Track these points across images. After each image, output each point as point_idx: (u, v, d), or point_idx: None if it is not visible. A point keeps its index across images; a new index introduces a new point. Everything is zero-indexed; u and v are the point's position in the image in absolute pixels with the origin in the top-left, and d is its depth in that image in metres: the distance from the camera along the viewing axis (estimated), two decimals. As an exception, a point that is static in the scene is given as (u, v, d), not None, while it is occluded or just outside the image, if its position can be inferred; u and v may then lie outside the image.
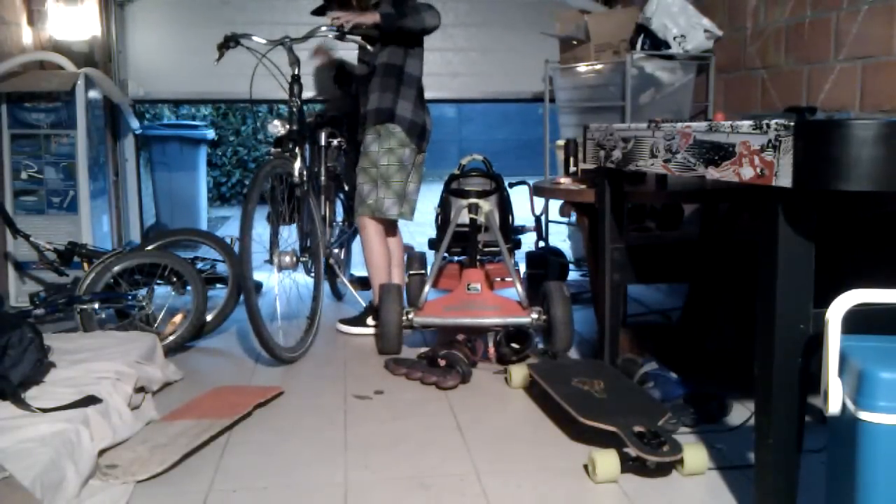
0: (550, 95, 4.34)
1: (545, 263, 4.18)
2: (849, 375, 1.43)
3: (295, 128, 3.32)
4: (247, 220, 2.97)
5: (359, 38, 3.26)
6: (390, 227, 3.58)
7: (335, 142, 3.84)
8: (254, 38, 3.33)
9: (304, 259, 3.41)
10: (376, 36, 3.28)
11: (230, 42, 3.36)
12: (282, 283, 3.46)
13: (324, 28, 3.26)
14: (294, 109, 3.35)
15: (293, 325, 3.67)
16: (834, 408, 1.46)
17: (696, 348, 3.08)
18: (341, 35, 3.23)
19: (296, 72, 3.36)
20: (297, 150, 3.31)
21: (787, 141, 1.50)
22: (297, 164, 3.29)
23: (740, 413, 2.46)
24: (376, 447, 2.30)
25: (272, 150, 3.34)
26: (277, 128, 3.28)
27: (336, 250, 3.96)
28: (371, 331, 3.51)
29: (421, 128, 3.44)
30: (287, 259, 3.30)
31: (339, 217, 4.15)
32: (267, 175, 3.17)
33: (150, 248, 3.57)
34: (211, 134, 6.98)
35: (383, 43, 3.34)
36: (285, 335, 3.27)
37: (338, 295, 4.33)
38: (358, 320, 3.62)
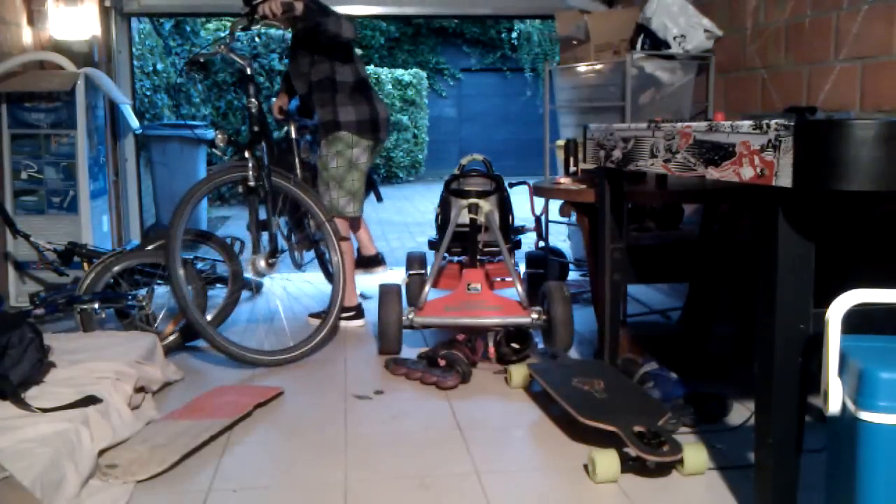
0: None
1: (545, 263, 4.18)
2: (849, 375, 1.43)
3: (256, 128, 3.29)
4: (173, 245, 3.00)
5: (273, 19, 3.23)
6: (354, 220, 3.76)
7: (307, 135, 3.83)
8: (201, 59, 3.33)
9: (272, 261, 3.31)
10: (290, 19, 3.28)
11: (193, 67, 3.37)
12: (272, 287, 3.42)
13: (240, 23, 3.29)
14: (253, 110, 3.32)
15: (294, 324, 3.68)
16: (834, 408, 1.46)
17: (696, 348, 3.08)
18: (256, 19, 3.24)
19: (248, 72, 3.32)
20: (246, 153, 3.24)
21: (787, 141, 1.51)
22: (251, 167, 3.21)
23: (740, 413, 2.46)
24: (376, 447, 2.30)
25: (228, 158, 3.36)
26: (220, 141, 3.29)
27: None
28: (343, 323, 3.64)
29: (371, 121, 3.55)
30: (261, 264, 3.26)
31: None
32: (193, 197, 3.14)
33: (150, 248, 3.57)
34: (211, 134, 6.98)
35: (311, 50, 3.46)
36: (286, 335, 3.28)
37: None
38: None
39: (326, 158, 3.53)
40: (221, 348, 3.01)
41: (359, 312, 3.74)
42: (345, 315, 3.66)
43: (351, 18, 3.40)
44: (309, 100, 3.61)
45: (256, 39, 9.94)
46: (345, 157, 3.52)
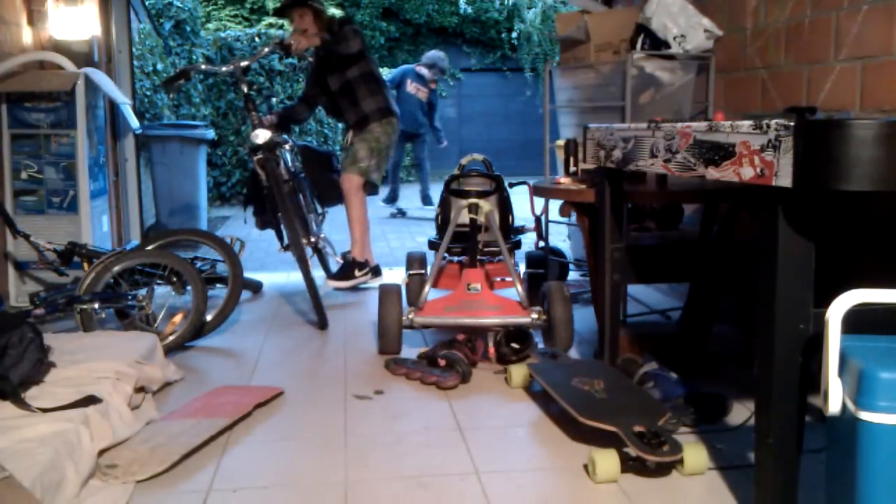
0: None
1: (545, 263, 4.18)
2: (849, 375, 1.43)
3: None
4: (292, 219, 3.72)
5: (302, 52, 4.09)
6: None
7: (287, 145, 4.22)
8: (203, 66, 4.18)
9: (313, 240, 4.03)
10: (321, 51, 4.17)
11: (181, 77, 3.85)
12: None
13: (266, 50, 4.03)
14: (256, 122, 3.86)
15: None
16: (834, 408, 1.46)
17: (696, 348, 3.08)
18: (287, 52, 3.98)
19: (246, 90, 3.92)
20: (276, 151, 3.88)
21: (787, 141, 1.50)
22: (282, 163, 3.91)
23: (740, 413, 2.46)
24: (376, 447, 2.30)
25: (256, 156, 3.82)
26: (258, 137, 3.78)
27: (323, 234, 4.35)
28: (362, 280, 4.23)
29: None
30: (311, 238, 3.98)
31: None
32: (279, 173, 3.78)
33: (150, 248, 3.57)
34: (211, 134, 6.98)
35: (343, 63, 4.20)
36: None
37: (330, 275, 4.56)
38: (346, 275, 4.24)
39: (379, 133, 4.27)
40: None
41: (375, 270, 4.33)
42: (362, 273, 4.23)
43: (356, 27, 4.21)
44: (343, 96, 4.27)
45: (256, 40, 9.95)
46: (390, 139, 4.34)
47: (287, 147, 4.21)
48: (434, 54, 8.57)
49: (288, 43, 3.91)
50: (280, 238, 4.13)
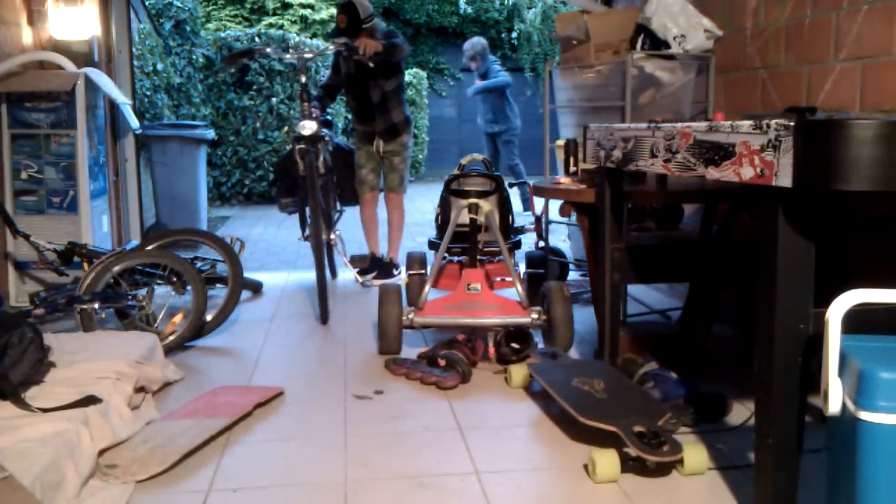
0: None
1: (545, 263, 4.18)
2: (849, 375, 1.43)
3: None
4: (319, 212, 3.78)
5: (364, 58, 4.11)
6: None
7: (326, 140, 4.30)
8: (268, 50, 4.20)
9: (332, 235, 4.22)
10: (375, 59, 4.22)
11: (246, 55, 4.01)
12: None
13: (331, 48, 4.21)
14: (306, 113, 3.95)
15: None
16: (834, 408, 1.46)
17: (696, 348, 3.08)
18: (353, 53, 4.11)
19: (303, 80, 4.01)
20: (318, 145, 3.97)
21: (787, 141, 1.50)
22: (321, 157, 4.05)
23: (740, 413, 2.46)
24: (376, 447, 2.30)
25: (299, 146, 3.89)
26: (306, 129, 3.88)
27: (338, 231, 4.44)
28: (402, 278, 4.37)
29: None
30: (330, 234, 4.20)
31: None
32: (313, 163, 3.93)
33: (150, 248, 3.57)
34: (211, 134, 6.98)
35: (385, 74, 4.45)
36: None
37: (333, 272, 4.74)
38: (387, 275, 4.63)
39: (410, 145, 4.71)
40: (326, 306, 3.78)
41: (397, 266, 4.72)
42: (398, 271, 4.66)
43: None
44: (379, 105, 4.52)
45: (256, 39, 9.95)
46: (411, 144, 4.75)
47: (325, 140, 4.33)
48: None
49: (356, 45, 4.10)
50: (303, 227, 4.29)
